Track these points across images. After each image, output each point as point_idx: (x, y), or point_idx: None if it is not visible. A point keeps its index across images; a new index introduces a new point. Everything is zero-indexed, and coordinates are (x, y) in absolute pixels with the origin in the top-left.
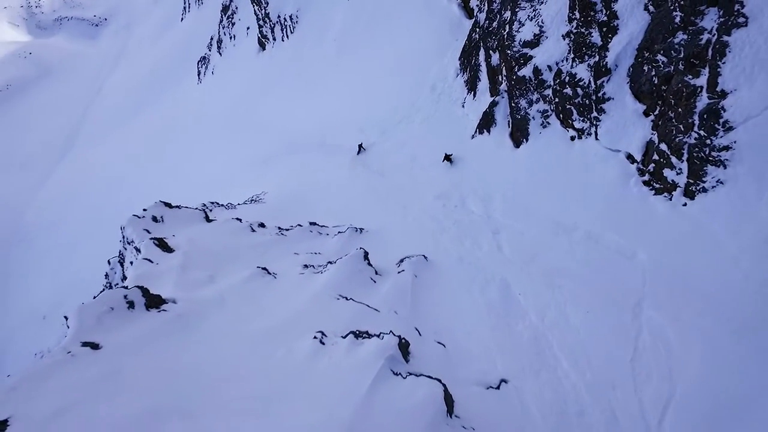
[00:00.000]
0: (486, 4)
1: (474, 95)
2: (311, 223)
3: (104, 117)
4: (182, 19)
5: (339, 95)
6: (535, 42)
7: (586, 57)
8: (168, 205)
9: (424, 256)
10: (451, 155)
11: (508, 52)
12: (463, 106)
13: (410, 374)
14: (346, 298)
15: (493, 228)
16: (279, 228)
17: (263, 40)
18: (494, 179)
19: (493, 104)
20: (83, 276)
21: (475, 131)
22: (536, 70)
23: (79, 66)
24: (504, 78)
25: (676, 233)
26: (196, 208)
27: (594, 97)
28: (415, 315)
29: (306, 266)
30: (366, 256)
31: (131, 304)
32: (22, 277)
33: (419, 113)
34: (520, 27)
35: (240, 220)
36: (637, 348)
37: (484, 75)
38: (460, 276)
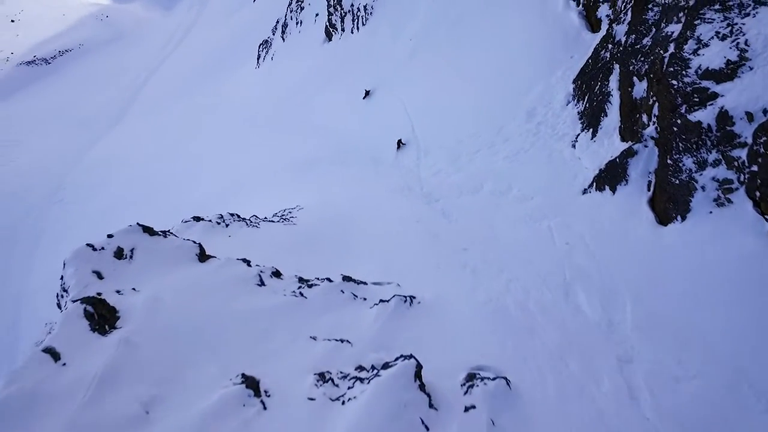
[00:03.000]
0: (630, 13)
1: (593, 134)
2: (344, 278)
3: (162, 89)
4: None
5: (406, 105)
6: (727, 73)
7: None
8: (148, 230)
9: (505, 379)
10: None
11: (673, 82)
12: (573, 146)
13: None
14: None
15: (621, 351)
16: (300, 281)
17: (330, 30)
18: (619, 265)
19: (629, 153)
20: None
21: (590, 185)
22: (723, 116)
23: (151, 35)
24: (655, 119)
25: None
26: (210, 219)
27: None
28: None
29: (322, 378)
30: (418, 373)
31: None
32: (52, 238)
33: (507, 144)
34: (700, 48)
35: (248, 263)
36: None
37: (614, 109)
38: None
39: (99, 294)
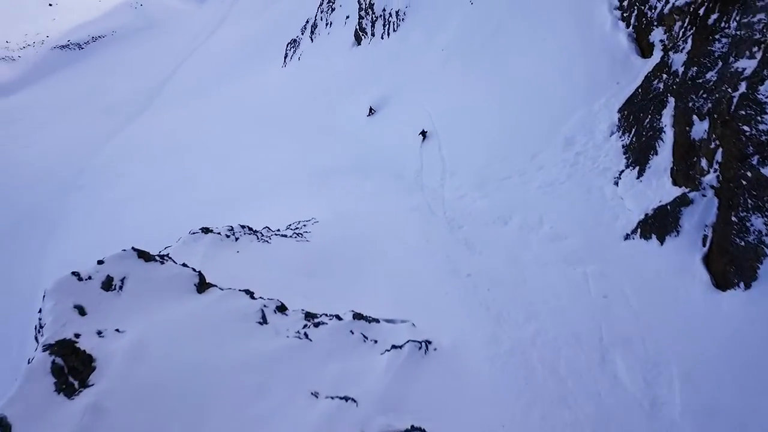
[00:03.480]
0: (691, 42)
1: (639, 172)
2: (355, 316)
3: (189, 82)
4: None
5: (433, 118)
6: None
7: None
8: (144, 255)
9: None
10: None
11: (744, 128)
12: (615, 184)
13: None
14: None
15: None
16: (306, 317)
17: (360, 34)
18: (666, 331)
19: (683, 201)
20: (122, 238)
21: (634, 230)
22: None
23: (182, 25)
24: (717, 166)
25: None
26: (219, 232)
27: None
28: None
29: None
30: None
31: None
32: (69, 224)
33: (541, 173)
34: None
35: (252, 294)
36: None
37: (666, 147)
38: None
39: (77, 336)
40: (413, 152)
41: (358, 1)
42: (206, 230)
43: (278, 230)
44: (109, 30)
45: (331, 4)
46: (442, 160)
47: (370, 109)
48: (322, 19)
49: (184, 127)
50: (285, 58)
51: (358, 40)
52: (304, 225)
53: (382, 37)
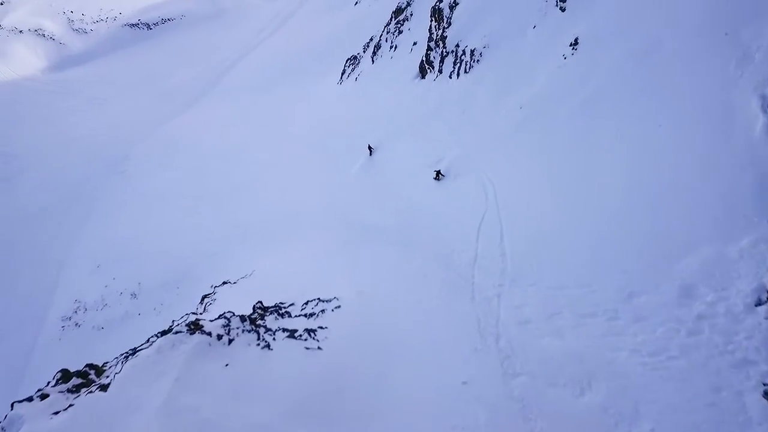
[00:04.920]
0: None
1: None
2: None
3: (244, 79)
4: (357, 2)
5: (496, 195)
6: None
7: None
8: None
9: None
10: None
11: None
12: (766, 396)
13: None
14: None
15: None
16: None
17: (426, 67)
18: None
19: None
20: (148, 240)
21: None
22: None
23: (250, 17)
24: None
25: None
26: (209, 332)
27: None
28: None
29: None
30: None
31: None
32: (104, 211)
33: (639, 327)
34: None
35: None
36: None
37: None
38: None
39: None
40: (468, 232)
41: (429, 30)
42: (195, 328)
43: (288, 311)
44: (179, 13)
45: (399, 26)
46: (503, 257)
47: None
48: (387, 41)
49: (230, 127)
50: (342, 74)
51: (422, 72)
52: (323, 310)
53: (450, 76)
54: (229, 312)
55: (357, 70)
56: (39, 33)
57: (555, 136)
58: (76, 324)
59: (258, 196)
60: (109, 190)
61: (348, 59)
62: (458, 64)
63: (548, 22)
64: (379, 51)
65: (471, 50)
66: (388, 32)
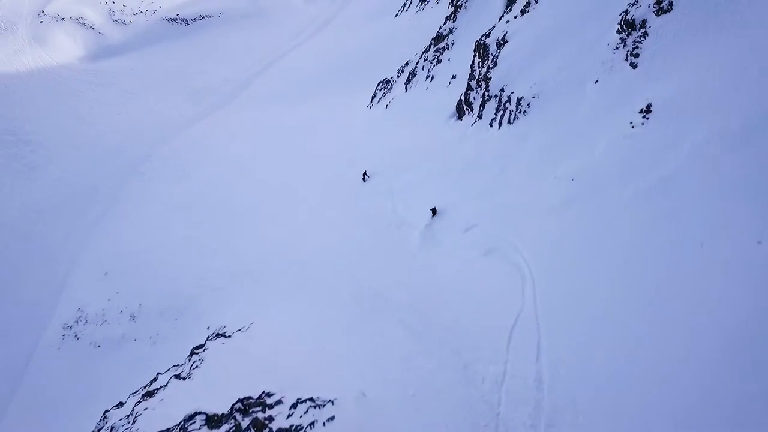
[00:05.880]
0: None
1: None
2: None
3: (274, 86)
4: (396, 15)
5: (535, 283)
6: None
7: None
8: None
9: None
10: None
11: None
12: None
13: None
14: None
15: None
16: None
17: (465, 108)
18: None
19: None
20: (156, 254)
21: None
22: None
23: (288, 19)
24: None
25: None
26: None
27: None
28: None
29: None
30: None
31: None
32: (119, 213)
33: None
34: None
35: None
36: None
37: None
38: None
39: None
40: (497, 332)
41: (471, 66)
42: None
43: (271, 415)
44: (218, 11)
45: (438, 54)
46: (539, 384)
47: (365, 175)
48: (423, 68)
49: (254, 141)
50: (373, 98)
51: (459, 113)
52: (313, 423)
53: (491, 124)
54: (200, 414)
55: (389, 96)
56: (80, 21)
57: (616, 224)
58: (76, 336)
59: (270, 221)
60: (126, 192)
61: (380, 82)
62: (501, 112)
63: (614, 79)
64: (414, 79)
65: (518, 98)
66: (425, 59)
